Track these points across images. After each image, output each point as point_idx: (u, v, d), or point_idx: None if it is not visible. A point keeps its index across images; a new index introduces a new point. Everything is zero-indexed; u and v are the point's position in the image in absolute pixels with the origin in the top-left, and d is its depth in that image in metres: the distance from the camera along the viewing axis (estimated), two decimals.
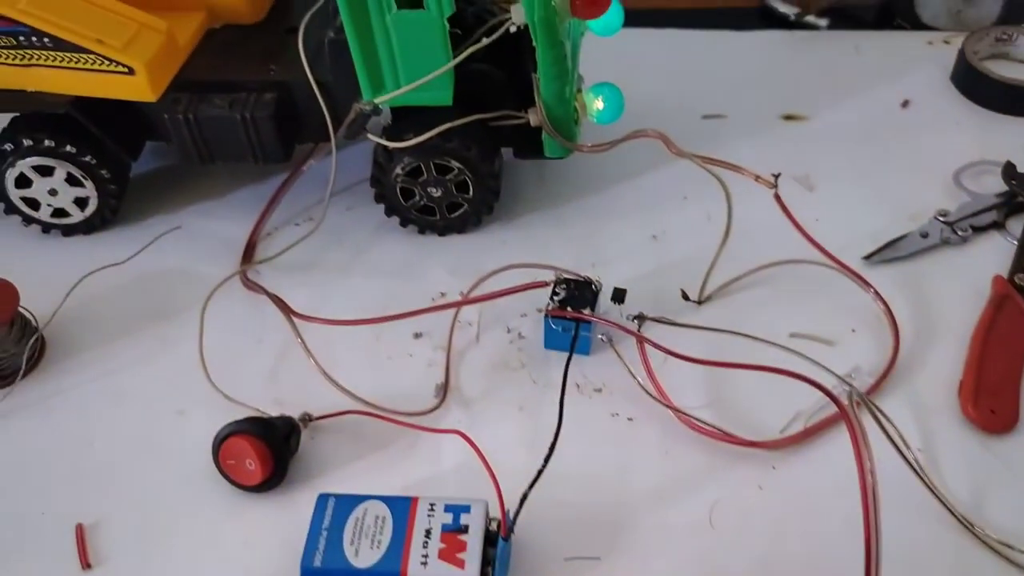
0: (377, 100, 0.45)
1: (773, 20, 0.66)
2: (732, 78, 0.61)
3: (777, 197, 0.44)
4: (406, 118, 0.47)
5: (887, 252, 0.48)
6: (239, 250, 0.51)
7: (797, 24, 0.64)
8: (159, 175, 0.56)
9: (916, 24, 0.64)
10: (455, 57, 0.44)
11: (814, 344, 0.44)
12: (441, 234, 0.51)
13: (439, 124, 0.46)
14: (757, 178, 0.44)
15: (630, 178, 0.53)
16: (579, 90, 0.53)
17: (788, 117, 0.57)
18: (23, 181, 0.50)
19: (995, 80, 0.56)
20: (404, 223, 0.51)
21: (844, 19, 0.66)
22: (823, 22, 0.64)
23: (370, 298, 0.48)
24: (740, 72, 0.61)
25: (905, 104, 0.57)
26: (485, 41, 0.43)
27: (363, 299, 0.47)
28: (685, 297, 0.46)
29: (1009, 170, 0.50)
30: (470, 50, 0.44)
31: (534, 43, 0.43)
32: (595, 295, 0.43)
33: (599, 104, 0.47)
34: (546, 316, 0.43)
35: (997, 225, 0.49)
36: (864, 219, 0.50)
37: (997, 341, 0.43)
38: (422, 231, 0.51)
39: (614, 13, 0.50)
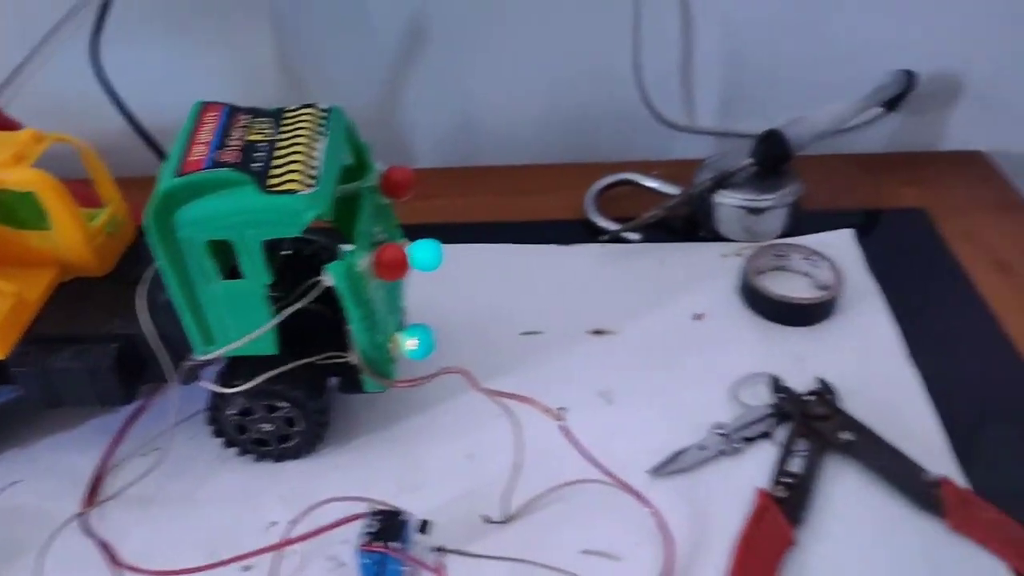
0: (208, 355, 0.51)
1: (594, 233, 0.74)
2: (550, 293, 0.68)
3: (562, 428, 0.50)
4: (239, 363, 0.53)
5: (670, 465, 0.54)
6: (86, 485, 0.54)
7: (613, 238, 0.72)
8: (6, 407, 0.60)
9: (716, 236, 0.73)
10: (276, 315, 0.50)
11: (603, 560, 0.50)
12: (277, 461, 0.56)
13: (269, 369, 0.52)
14: (546, 411, 0.50)
15: (451, 399, 0.59)
16: (402, 323, 0.60)
17: (597, 332, 0.65)
18: None
19: (768, 296, 0.64)
20: (242, 453, 0.56)
21: (659, 230, 0.74)
22: (636, 236, 0.73)
23: (206, 532, 0.51)
24: (558, 287, 0.69)
25: (698, 317, 0.66)
26: (299, 304, 0.49)
27: (199, 534, 0.51)
28: (488, 521, 0.51)
29: (776, 384, 0.58)
30: (288, 311, 0.50)
31: (342, 303, 0.50)
32: (403, 525, 0.48)
33: (412, 344, 0.53)
34: (357, 550, 0.47)
35: (767, 435, 0.56)
36: (655, 432, 0.57)
37: (754, 553, 0.49)
38: (260, 459, 0.56)
39: (431, 252, 0.57)
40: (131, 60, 0.77)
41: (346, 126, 0.54)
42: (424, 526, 0.49)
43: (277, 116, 0.52)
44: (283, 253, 0.58)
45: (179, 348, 0.52)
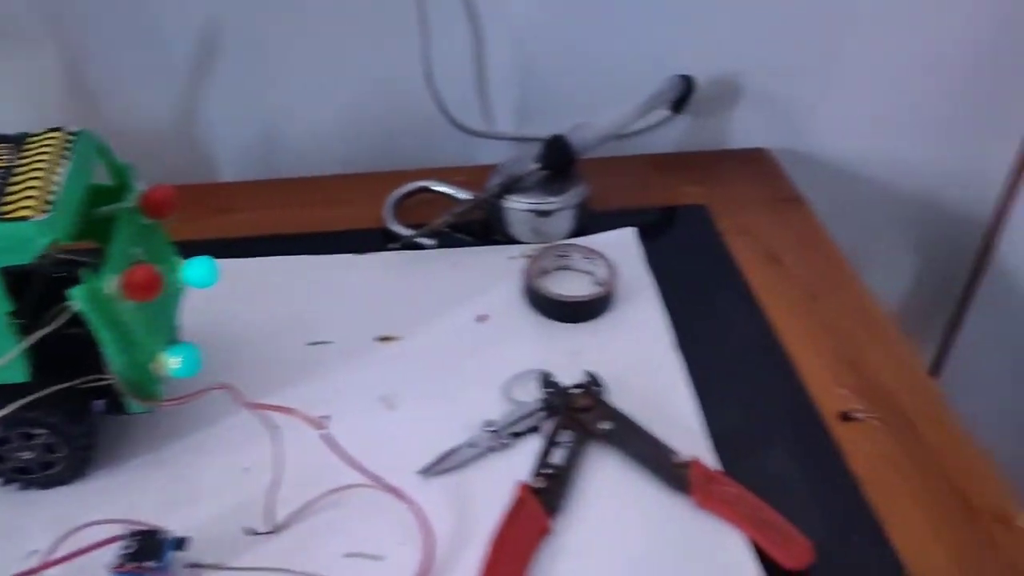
0: None
1: (392, 240, 0.76)
2: (341, 302, 0.69)
3: (325, 437, 0.52)
4: None
5: (440, 464, 0.56)
6: None
7: (409, 244, 0.74)
8: None
9: (508, 239, 0.76)
10: (25, 341, 0.50)
11: (366, 561, 0.51)
12: (44, 487, 0.55)
13: (24, 396, 0.51)
14: (308, 421, 0.52)
15: (228, 415, 0.59)
16: (176, 340, 0.60)
17: (383, 338, 0.66)
18: None
19: (545, 295, 0.67)
20: (5, 483, 0.55)
21: (456, 233, 0.77)
22: (431, 242, 0.75)
23: None
24: (349, 296, 0.70)
25: (482, 319, 0.68)
26: (46, 330, 0.49)
27: None
28: (253, 533, 0.52)
29: (545, 379, 0.61)
30: (34, 337, 0.49)
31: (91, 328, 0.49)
32: (161, 544, 0.49)
33: (175, 363, 0.54)
34: (110, 572, 0.47)
35: (536, 430, 0.59)
36: (432, 434, 0.58)
37: (510, 544, 0.51)
38: (24, 487, 0.55)
39: (204, 270, 0.58)
40: None
41: (96, 149, 0.53)
42: (181, 543, 0.49)
43: (19, 141, 0.51)
44: (55, 276, 0.57)
45: None
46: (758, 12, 0.82)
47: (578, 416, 0.59)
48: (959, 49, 0.86)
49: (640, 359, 0.64)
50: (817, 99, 0.89)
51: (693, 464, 0.56)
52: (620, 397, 0.61)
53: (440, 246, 0.75)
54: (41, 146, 0.51)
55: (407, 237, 0.74)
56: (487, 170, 0.79)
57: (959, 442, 0.60)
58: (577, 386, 0.60)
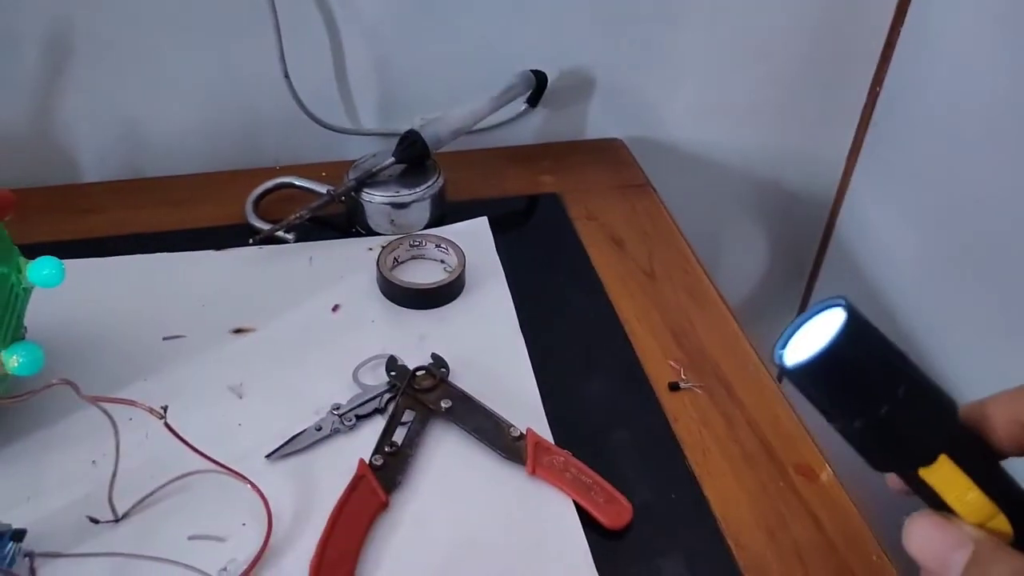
0: None
1: (253, 235, 0.77)
2: (198, 297, 0.71)
3: (167, 425, 0.54)
4: None
5: (286, 448, 0.59)
6: None
7: (268, 239, 0.76)
8: None
9: (368, 231, 0.79)
10: None
11: (208, 543, 0.54)
12: None
13: None
14: (150, 410, 0.53)
15: (77, 410, 0.60)
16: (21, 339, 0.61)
17: (238, 330, 0.68)
18: None
19: (395, 283, 0.70)
20: None
21: (322, 228, 0.79)
22: (290, 236, 0.77)
23: None
24: (206, 291, 0.72)
25: (335, 309, 0.71)
26: None
27: None
28: (94, 521, 0.54)
29: (391, 363, 0.64)
30: None
31: None
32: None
33: (14, 361, 0.55)
34: None
35: (380, 411, 0.62)
36: (280, 420, 0.61)
37: (347, 519, 0.54)
38: None
39: (49, 268, 0.59)
40: None
41: None
42: (19, 535, 0.50)
43: None
44: None
45: None
46: (603, 7, 0.87)
47: (421, 396, 0.62)
48: (790, 37, 0.92)
49: (486, 342, 0.68)
50: (663, 90, 0.94)
51: (527, 435, 0.59)
52: (465, 378, 0.64)
53: (300, 240, 0.77)
54: None
55: (266, 231, 0.76)
56: (347, 166, 0.82)
57: (773, 406, 0.65)
58: (420, 368, 0.64)
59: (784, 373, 0.36)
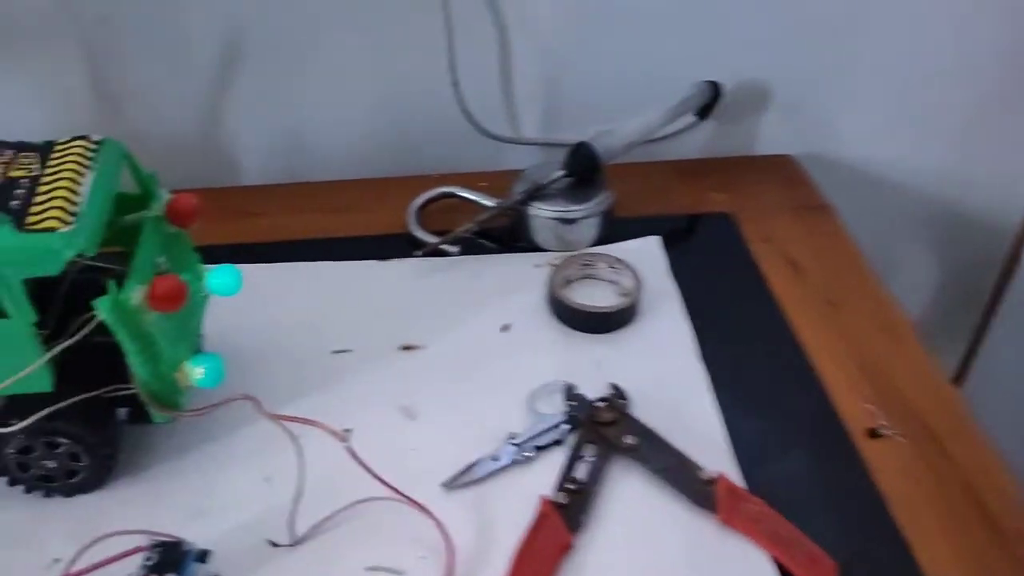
0: None
1: (415, 246, 0.75)
2: (363, 310, 0.69)
3: (348, 450, 0.51)
4: (17, 401, 0.52)
5: (462, 477, 0.56)
6: None
7: (433, 251, 0.74)
8: None
9: (533, 246, 0.76)
10: (49, 352, 0.50)
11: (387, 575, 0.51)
12: (67, 495, 0.55)
13: (48, 405, 0.51)
14: (333, 433, 0.51)
15: (250, 424, 0.59)
16: (200, 349, 0.60)
17: (406, 347, 0.66)
18: None
19: (569, 305, 0.67)
20: (28, 491, 0.55)
21: (481, 239, 0.76)
22: (455, 249, 0.74)
23: None
24: (372, 303, 0.70)
25: (505, 328, 0.67)
26: (71, 340, 0.49)
27: None
28: (273, 545, 0.52)
29: (569, 391, 0.61)
30: (58, 348, 0.49)
31: (116, 338, 0.49)
32: (184, 557, 0.49)
33: (198, 373, 0.53)
34: None
35: (559, 443, 0.58)
36: (454, 446, 0.58)
37: (532, 560, 0.51)
38: (48, 495, 0.55)
39: (228, 279, 0.58)
40: None
41: (120, 158, 0.53)
42: (203, 556, 0.49)
43: (45, 150, 0.51)
44: (81, 282, 0.57)
45: None
46: (783, 18, 0.81)
47: (602, 430, 0.58)
48: (983, 53, 0.84)
49: (664, 371, 0.64)
50: (842, 105, 0.88)
51: (718, 480, 0.55)
52: (644, 410, 0.60)
53: (463, 253, 0.75)
54: (66, 155, 0.51)
55: (431, 244, 0.73)
56: (511, 176, 0.79)
57: (985, 460, 0.59)
58: (601, 399, 0.60)
59: None
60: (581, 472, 0.56)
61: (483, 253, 0.76)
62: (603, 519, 0.54)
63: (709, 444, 0.58)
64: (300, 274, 0.73)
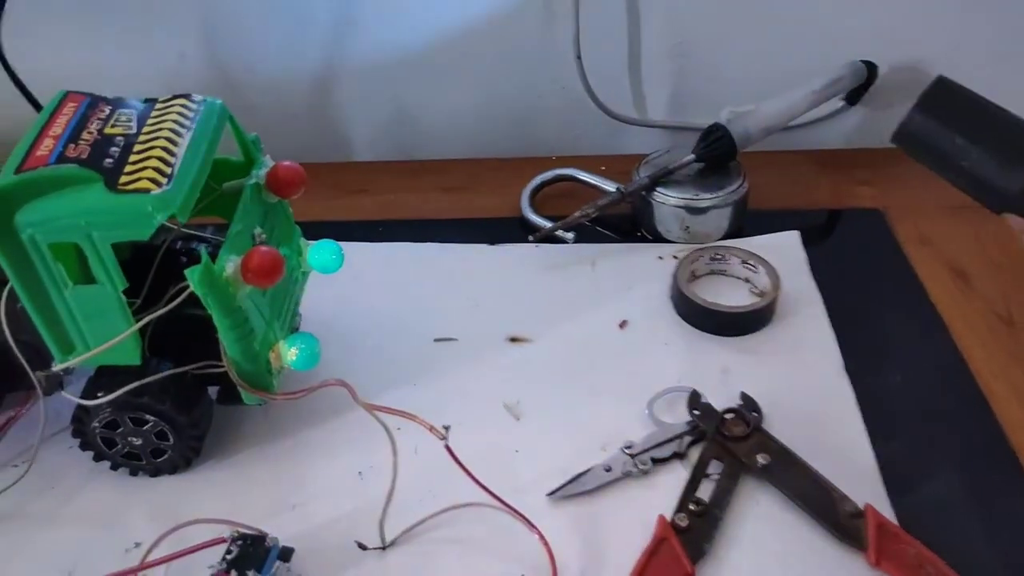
0: (64, 365, 0.47)
1: (530, 231, 0.70)
2: (470, 296, 0.64)
3: (447, 448, 0.46)
4: (105, 373, 0.49)
5: (571, 487, 0.50)
6: None
7: (544, 237, 0.68)
8: None
9: (656, 236, 0.69)
10: (138, 322, 0.46)
11: None
12: (152, 475, 0.52)
13: (136, 379, 0.48)
14: (430, 429, 0.46)
15: (345, 412, 0.55)
16: (296, 328, 0.56)
17: (514, 339, 0.61)
18: None
19: (698, 303, 0.60)
20: (114, 467, 0.52)
21: (599, 227, 0.70)
22: (570, 236, 0.68)
23: (64, 553, 0.48)
24: (479, 290, 0.65)
25: (623, 325, 0.61)
26: (161, 311, 0.46)
27: (56, 556, 0.48)
28: (362, 547, 0.47)
29: (694, 400, 0.54)
30: (148, 318, 0.46)
31: (208, 311, 0.46)
32: (267, 553, 0.45)
33: (293, 354, 0.49)
34: None
35: (679, 456, 0.52)
36: (560, 451, 0.53)
37: None
38: (133, 473, 0.52)
39: (330, 255, 0.54)
40: (40, 49, 0.73)
41: (221, 119, 0.49)
42: (287, 554, 0.45)
43: (146, 108, 0.48)
44: (175, 251, 0.55)
45: (48, 355, 0.49)
46: None
47: (731, 445, 0.51)
48: None
49: (803, 385, 0.56)
50: (1015, 90, 0.77)
51: (867, 513, 0.47)
52: (778, 426, 0.53)
53: (578, 241, 0.69)
54: (165, 114, 0.47)
55: (546, 229, 0.68)
56: (629, 160, 0.72)
57: None
58: (730, 410, 0.53)
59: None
60: (705, 492, 0.49)
61: (600, 242, 0.70)
62: (729, 548, 0.47)
63: (855, 470, 0.51)
64: (404, 255, 0.68)
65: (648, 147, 0.75)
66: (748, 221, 0.69)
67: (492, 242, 0.70)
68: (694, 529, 0.47)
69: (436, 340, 0.61)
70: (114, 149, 0.45)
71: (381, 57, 0.78)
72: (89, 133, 0.45)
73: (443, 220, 0.73)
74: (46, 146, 0.44)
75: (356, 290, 0.63)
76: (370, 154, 0.83)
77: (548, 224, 0.69)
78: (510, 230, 0.71)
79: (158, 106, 0.48)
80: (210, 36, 0.77)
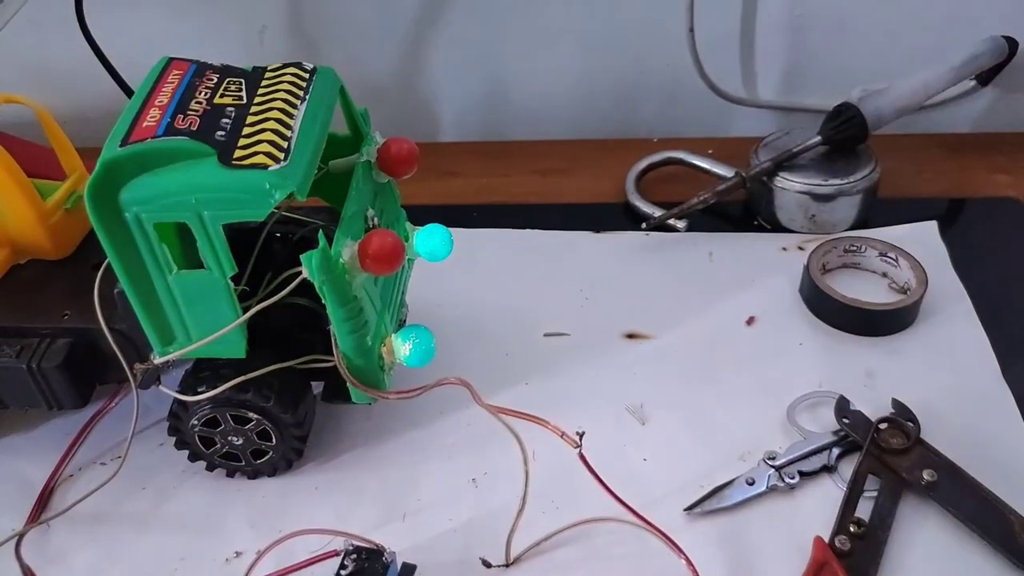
0: (165, 358, 0.43)
1: (635, 218, 0.65)
2: (578, 288, 0.59)
3: (581, 456, 0.42)
4: (205, 366, 0.45)
5: (710, 502, 0.46)
6: (33, 498, 0.48)
7: (656, 226, 0.63)
8: None
9: (776, 226, 0.64)
10: (246, 312, 0.42)
11: None
12: (251, 477, 0.49)
13: (239, 374, 0.44)
14: (562, 435, 0.42)
15: (457, 413, 0.51)
16: (403, 321, 0.52)
17: (631, 336, 0.56)
18: None
19: (833, 298, 0.54)
20: (210, 468, 0.48)
21: (709, 216, 0.65)
22: (682, 224, 0.63)
23: (160, 561, 0.45)
24: (588, 282, 0.60)
25: (750, 321, 0.56)
26: (271, 300, 0.42)
27: (152, 563, 0.45)
28: (487, 564, 0.43)
29: (842, 406, 0.49)
30: (257, 308, 0.42)
31: (323, 300, 0.42)
32: (385, 568, 0.40)
33: (407, 349, 0.45)
34: None
35: (829, 469, 0.47)
36: (694, 460, 0.48)
37: None
38: (231, 475, 0.49)
39: (438, 240, 0.49)
40: (123, 22, 0.69)
41: (334, 90, 0.45)
42: (410, 571, 0.41)
43: (255, 77, 0.44)
44: (276, 236, 0.51)
45: (143, 345, 0.45)
46: None
47: (889, 459, 0.46)
48: None
49: (958, 390, 0.51)
50: None
51: None
52: (935, 438, 0.47)
53: (692, 229, 0.64)
54: (278, 83, 0.43)
55: (659, 217, 0.63)
56: (737, 143, 0.67)
57: None
58: (884, 419, 0.48)
59: None
60: (863, 511, 0.44)
61: (713, 231, 0.64)
62: (895, 575, 0.42)
63: None
64: (505, 241, 0.64)
65: (754, 130, 0.69)
66: (876, 210, 0.64)
67: (596, 230, 0.65)
68: (856, 553, 0.42)
69: (546, 335, 0.56)
70: (225, 121, 0.40)
71: (473, 28, 0.73)
72: (198, 103, 0.41)
73: (541, 205, 0.69)
74: (152, 116, 0.40)
75: (454, 279, 0.58)
76: (458, 134, 0.79)
77: (655, 210, 0.64)
78: (613, 216, 0.66)
79: (268, 74, 0.44)
80: (294, 6, 0.73)
